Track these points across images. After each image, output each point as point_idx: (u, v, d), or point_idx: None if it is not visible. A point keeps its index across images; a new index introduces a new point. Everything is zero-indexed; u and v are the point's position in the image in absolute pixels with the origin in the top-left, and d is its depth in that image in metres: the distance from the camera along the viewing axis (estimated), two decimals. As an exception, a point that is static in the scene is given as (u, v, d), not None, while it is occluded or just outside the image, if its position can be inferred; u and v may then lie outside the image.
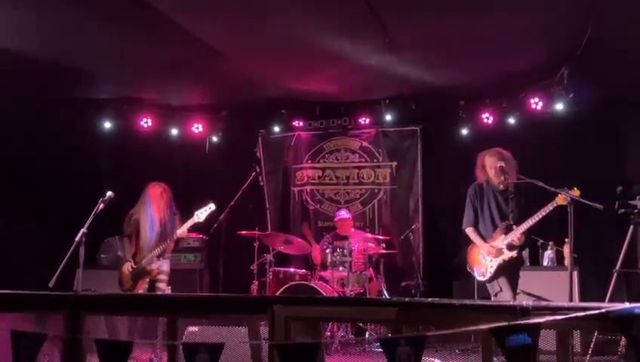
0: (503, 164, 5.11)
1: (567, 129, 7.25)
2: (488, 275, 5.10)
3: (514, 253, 5.03)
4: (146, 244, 5.93)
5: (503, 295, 4.98)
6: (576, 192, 4.67)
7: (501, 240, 5.06)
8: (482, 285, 5.28)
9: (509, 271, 5.07)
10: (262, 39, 6.16)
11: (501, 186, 5.16)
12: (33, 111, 7.10)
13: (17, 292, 3.02)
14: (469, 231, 5.32)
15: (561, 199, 4.71)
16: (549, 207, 4.76)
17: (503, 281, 5.04)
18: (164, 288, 6.05)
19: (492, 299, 5.08)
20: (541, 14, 5.52)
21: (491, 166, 5.22)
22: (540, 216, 4.84)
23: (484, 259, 5.15)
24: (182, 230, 5.91)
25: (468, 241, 5.35)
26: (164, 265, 6.01)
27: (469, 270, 5.35)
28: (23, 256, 6.82)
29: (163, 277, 6.03)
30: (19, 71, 6.70)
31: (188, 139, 8.71)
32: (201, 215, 5.98)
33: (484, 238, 5.18)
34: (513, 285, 5.06)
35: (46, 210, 7.39)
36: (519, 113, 7.58)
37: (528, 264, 6.44)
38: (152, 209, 6.00)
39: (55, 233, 6.57)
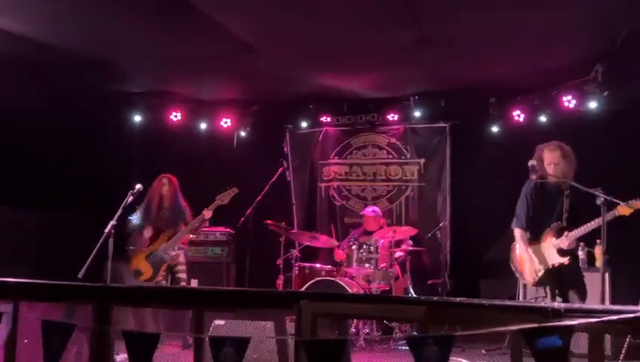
0: (564, 162, 4.79)
1: (600, 128, 7.09)
2: (533, 280, 4.84)
3: (565, 260, 4.73)
4: (156, 231, 6.08)
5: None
6: (638, 204, 4.42)
7: (550, 243, 4.79)
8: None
9: (558, 279, 4.77)
10: (291, 34, 6.15)
11: (558, 184, 4.83)
12: (65, 103, 7.19)
13: (48, 282, 3.06)
14: (518, 233, 4.99)
15: (623, 210, 4.43)
16: (609, 217, 4.41)
17: (548, 290, 4.78)
18: (185, 278, 6.16)
19: (547, 300, 4.84)
20: (576, 11, 5.40)
21: (550, 162, 4.86)
22: (597, 225, 4.50)
23: (532, 261, 4.86)
24: (208, 213, 6.08)
25: (511, 239, 5.11)
26: (180, 256, 6.14)
27: (514, 270, 5.11)
28: (52, 248, 6.92)
29: (181, 267, 6.17)
30: (52, 63, 6.80)
31: (216, 133, 8.76)
32: (224, 198, 6.08)
33: (532, 241, 4.87)
34: (563, 295, 4.73)
35: (75, 201, 7.49)
36: (551, 111, 7.44)
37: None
38: (155, 198, 6.23)
39: (84, 224, 6.66)
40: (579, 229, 4.59)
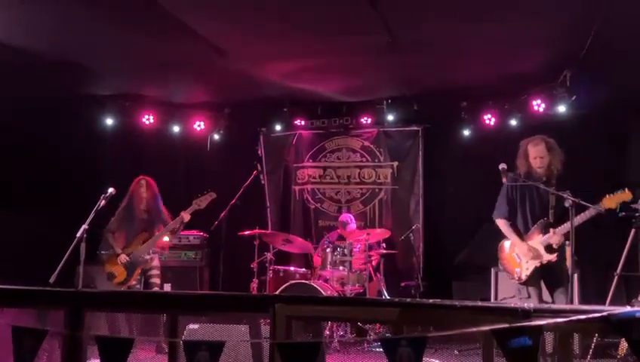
0: (549, 155, 4.78)
1: (569, 131, 7.21)
2: (524, 278, 4.78)
3: (552, 257, 4.70)
4: (131, 236, 6.02)
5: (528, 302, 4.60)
6: (627, 195, 4.44)
7: (538, 241, 4.76)
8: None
9: (545, 277, 4.74)
10: (264, 37, 6.15)
11: (544, 179, 4.80)
12: (34, 107, 7.09)
13: (18, 287, 3.02)
14: (501, 224, 4.95)
15: (608, 202, 4.43)
16: (592, 212, 4.43)
17: (533, 290, 4.72)
18: (158, 283, 6.12)
19: (516, 300, 4.80)
20: (545, 16, 5.51)
21: (536, 155, 4.86)
22: (585, 219, 4.47)
23: (519, 259, 4.84)
24: (186, 216, 6.02)
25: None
26: (155, 260, 6.09)
27: (501, 268, 5.09)
28: (22, 251, 6.81)
29: (155, 271, 6.12)
30: (21, 66, 6.69)
31: (190, 136, 8.71)
32: (201, 202, 6.04)
33: (520, 234, 4.84)
34: (551, 295, 4.70)
35: (46, 205, 7.38)
36: (521, 115, 7.57)
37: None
38: (134, 201, 6.14)
39: (55, 228, 6.57)
40: (567, 224, 4.50)
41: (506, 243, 5.04)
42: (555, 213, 4.76)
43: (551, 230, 4.70)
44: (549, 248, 4.72)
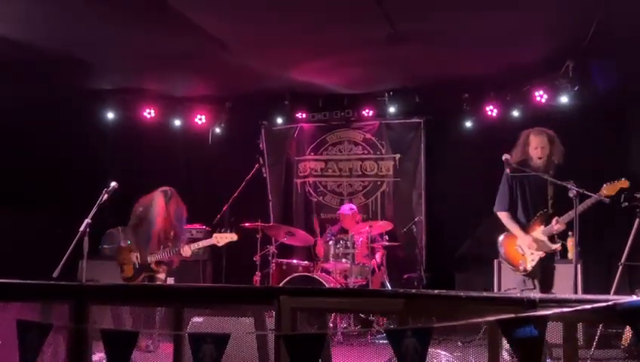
0: (550, 146, 4.78)
1: (571, 122, 7.21)
2: (529, 268, 4.78)
3: (557, 246, 4.74)
4: (146, 246, 5.97)
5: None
6: (624, 183, 4.47)
7: (540, 231, 4.75)
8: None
9: (545, 267, 4.76)
10: (266, 30, 6.13)
11: (542, 169, 4.78)
12: (36, 101, 7.08)
13: (23, 281, 3.01)
14: (503, 217, 4.93)
15: (607, 190, 4.45)
16: (592, 200, 4.44)
17: (538, 281, 4.75)
18: (162, 278, 6.09)
19: (519, 292, 4.79)
20: (547, 7, 5.49)
21: (537, 145, 4.84)
22: (585, 208, 4.46)
23: (522, 250, 4.83)
24: (196, 247, 5.96)
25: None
26: (162, 273, 6.07)
27: (503, 261, 5.09)
28: (25, 246, 6.82)
29: (163, 267, 6.09)
30: (21, 61, 6.67)
31: (191, 130, 8.70)
32: (221, 240, 5.96)
33: (522, 226, 4.83)
34: (548, 284, 4.74)
35: (48, 200, 7.38)
36: (523, 106, 7.56)
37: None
38: (156, 218, 5.98)
39: (57, 223, 6.57)
40: (570, 212, 4.48)
41: (501, 238, 5.03)
42: (555, 203, 4.76)
43: (554, 219, 4.70)
44: (551, 238, 4.75)
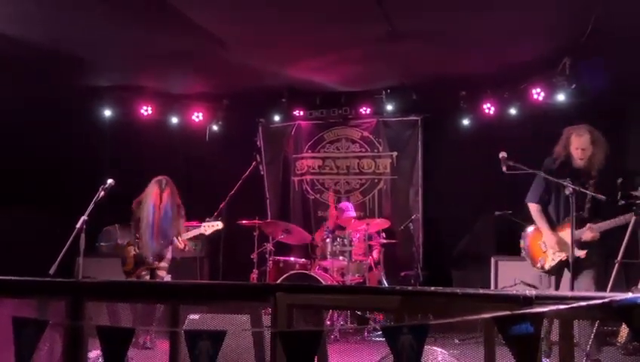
0: (592, 147, 4.55)
1: (569, 120, 7.18)
2: (547, 268, 4.69)
3: (582, 253, 4.51)
4: (146, 239, 6.00)
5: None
6: None
7: (569, 234, 4.48)
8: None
9: (570, 271, 4.46)
10: (263, 28, 6.12)
11: (583, 170, 4.59)
12: (33, 98, 7.06)
13: (19, 278, 3.00)
14: (533, 208, 4.78)
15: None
16: (621, 220, 4.30)
17: (554, 279, 4.64)
18: (163, 275, 6.12)
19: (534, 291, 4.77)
20: (544, 6, 5.49)
21: (578, 146, 4.64)
22: (624, 221, 4.32)
23: (545, 248, 4.73)
24: (185, 237, 6.08)
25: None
26: (167, 254, 6.10)
27: (523, 254, 4.96)
28: (22, 243, 6.81)
29: (163, 264, 6.11)
30: (18, 58, 6.66)
31: (188, 127, 8.69)
32: (208, 228, 6.06)
33: (552, 224, 4.69)
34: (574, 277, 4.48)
35: (45, 197, 7.36)
36: (521, 104, 7.56)
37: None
38: (152, 207, 6.06)
39: (54, 221, 6.56)
40: (607, 222, 4.35)
41: (529, 230, 4.92)
42: (592, 208, 4.58)
43: (587, 225, 4.54)
44: (578, 243, 4.53)
